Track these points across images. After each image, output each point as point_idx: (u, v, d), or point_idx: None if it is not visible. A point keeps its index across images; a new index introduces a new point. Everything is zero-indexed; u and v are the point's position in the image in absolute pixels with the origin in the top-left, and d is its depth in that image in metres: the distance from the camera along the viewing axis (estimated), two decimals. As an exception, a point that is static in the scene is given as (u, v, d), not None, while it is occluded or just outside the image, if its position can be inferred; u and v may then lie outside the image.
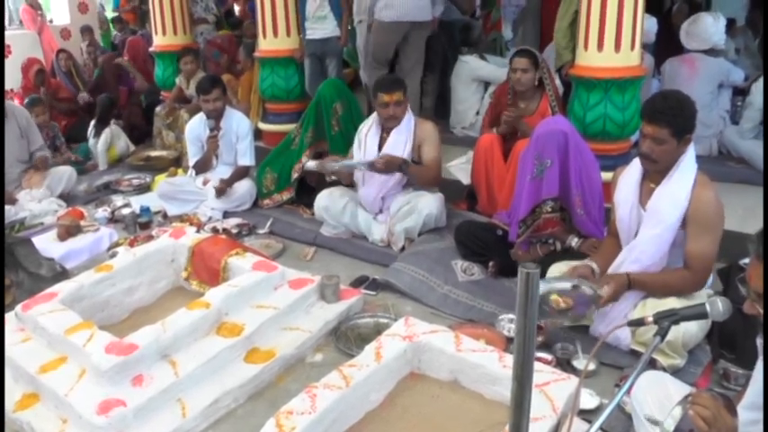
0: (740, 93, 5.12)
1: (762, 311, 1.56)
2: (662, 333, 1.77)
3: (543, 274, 2.99)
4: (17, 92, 7.39)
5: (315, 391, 2.34)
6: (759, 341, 1.77)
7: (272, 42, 5.51)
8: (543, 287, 2.70)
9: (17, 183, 4.89)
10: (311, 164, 4.52)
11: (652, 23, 5.04)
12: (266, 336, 2.90)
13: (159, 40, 6.52)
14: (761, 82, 4.54)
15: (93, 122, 6.22)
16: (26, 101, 5.80)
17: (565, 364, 2.72)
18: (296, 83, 5.59)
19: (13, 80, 7.35)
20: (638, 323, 1.90)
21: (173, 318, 2.78)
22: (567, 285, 2.73)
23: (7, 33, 8.17)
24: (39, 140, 5.10)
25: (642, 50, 4.09)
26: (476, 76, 5.50)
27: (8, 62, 7.47)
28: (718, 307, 1.79)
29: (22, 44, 7.73)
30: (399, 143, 3.92)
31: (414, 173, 3.90)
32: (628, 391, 1.63)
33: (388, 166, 3.81)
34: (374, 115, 4.08)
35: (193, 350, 2.70)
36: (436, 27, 5.54)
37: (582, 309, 2.67)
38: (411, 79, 5.10)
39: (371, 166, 3.84)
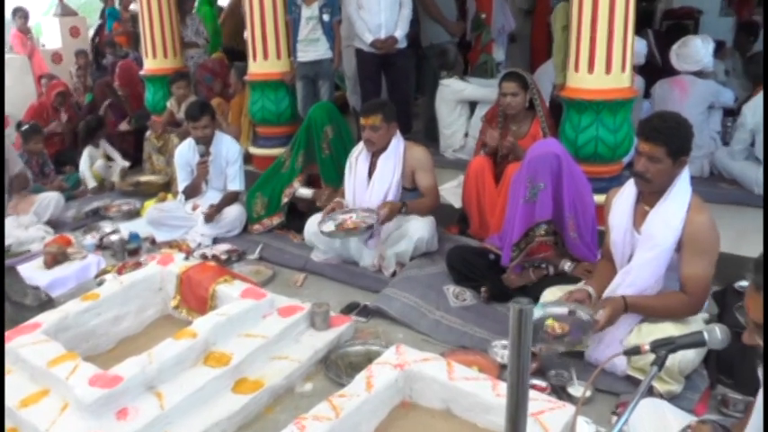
0: (730, 114, 5.14)
1: (761, 342, 1.52)
2: (659, 362, 1.73)
3: (536, 299, 2.96)
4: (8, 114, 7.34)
5: (304, 423, 2.29)
6: (760, 372, 1.72)
7: (262, 65, 5.49)
8: (539, 313, 2.67)
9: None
10: (303, 191, 4.49)
11: (642, 45, 5.06)
12: (254, 365, 2.84)
13: (150, 64, 6.50)
14: (751, 103, 4.55)
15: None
16: (25, 128, 5.73)
17: (560, 391, 2.67)
18: (286, 106, 5.55)
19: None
20: (635, 351, 1.86)
21: (158, 348, 2.71)
22: (563, 311, 2.69)
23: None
24: (17, 162, 4.97)
25: (633, 72, 4.09)
26: (459, 98, 5.49)
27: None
28: (717, 335, 1.75)
29: (11, 68, 7.69)
30: (388, 168, 3.89)
31: (414, 209, 3.88)
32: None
33: (390, 215, 3.78)
34: None
35: (180, 381, 2.64)
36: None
37: (578, 334, 2.62)
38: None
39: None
